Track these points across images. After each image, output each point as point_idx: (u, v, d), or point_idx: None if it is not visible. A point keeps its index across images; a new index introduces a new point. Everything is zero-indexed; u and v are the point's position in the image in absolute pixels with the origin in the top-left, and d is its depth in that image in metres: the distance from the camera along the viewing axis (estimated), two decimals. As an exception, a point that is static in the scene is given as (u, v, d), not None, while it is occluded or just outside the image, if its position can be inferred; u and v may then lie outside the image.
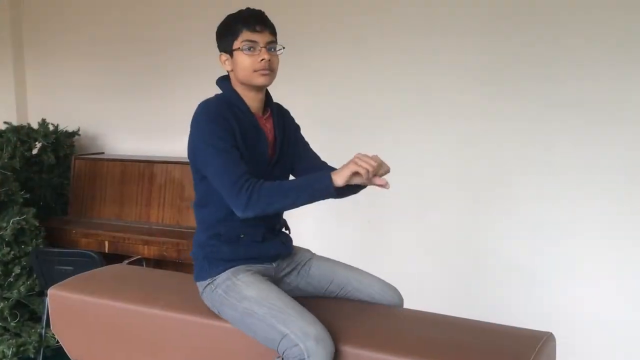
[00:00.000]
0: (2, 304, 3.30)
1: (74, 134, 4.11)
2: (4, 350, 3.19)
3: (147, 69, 3.99)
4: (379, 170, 1.63)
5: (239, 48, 1.74)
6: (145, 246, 3.45)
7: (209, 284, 1.78)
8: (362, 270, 1.92)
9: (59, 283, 2.08)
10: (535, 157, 2.89)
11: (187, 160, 3.97)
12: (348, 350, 1.59)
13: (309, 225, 3.33)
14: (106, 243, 3.56)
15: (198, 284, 1.83)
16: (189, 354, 1.81)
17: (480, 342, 1.58)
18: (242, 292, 1.70)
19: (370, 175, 1.61)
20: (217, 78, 1.86)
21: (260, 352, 1.66)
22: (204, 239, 1.82)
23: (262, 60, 1.73)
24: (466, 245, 3.11)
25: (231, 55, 1.77)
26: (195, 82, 3.73)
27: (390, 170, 1.66)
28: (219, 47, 1.81)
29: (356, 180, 1.63)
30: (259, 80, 1.75)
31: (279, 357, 1.60)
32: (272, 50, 1.76)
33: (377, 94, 3.25)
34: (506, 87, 2.92)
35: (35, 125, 3.96)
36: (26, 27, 4.44)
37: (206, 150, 1.70)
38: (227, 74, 1.84)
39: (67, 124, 4.08)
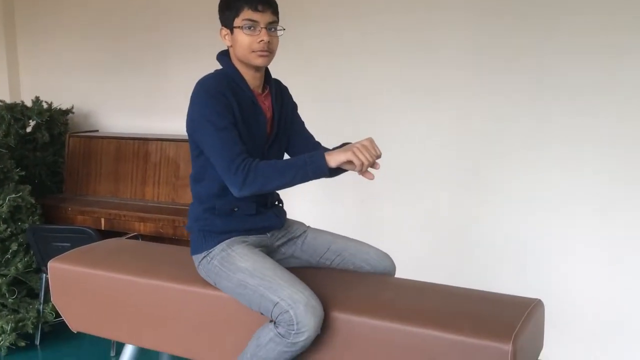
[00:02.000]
0: (0, 280, 3.33)
1: (68, 111, 4.12)
2: (3, 325, 3.23)
3: (141, 46, 3.99)
4: (373, 163, 1.67)
5: (239, 26, 1.74)
6: (141, 223, 3.48)
7: (205, 256, 1.81)
8: (357, 240, 1.97)
9: (58, 256, 2.11)
10: (529, 133, 2.93)
11: (182, 138, 3.99)
12: (338, 316, 1.63)
13: (304, 205, 3.36)
14: (102, 220, 3.59)
15: (194, 257, 1.86)
16: (189, 323, 1.85)
17: (470, 308, 1.63)
18: (237, 264, 1.74)
19: (364, 169, 1.65)
20: (217, 53, 1.86)
21: (258, 321, 1.71)
22: (199, 213, 1.85)
23: (261, 41, 1.73)
24: (460, 222, 3.15)
25: (231, 31, 1.77)
26: (189, 59, 3.74)
27: (382, 155, 1.68)
28: (220, 20, 1.81)
29: (348, 167, 1.67)
30: (257, 61, 1.76)
31: (271, 321, 1.65)
32: (273, 30, 1.77)
33: (372, 72, 3.27)
34: (500, 63, 2.94)
35: (28, 103, 3.96)
36: (18, 4, 4.41)
37: (204, 127, 1.72)
38: (226, 48, 1.84)
39: (60, 103, 4.08)
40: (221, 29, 1.81)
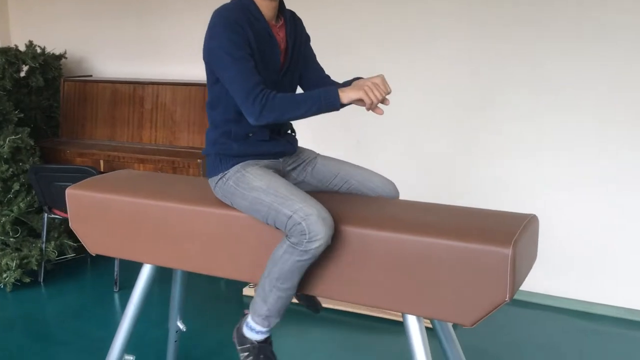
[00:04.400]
0: (3, 219, 3.39)
1: (61, 56, 4.12)
2: (8, 262, 3.31)
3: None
4: (383, 100, 1.76)
5: None
6: (141, 164, 3.55)
7: (220, 178, 1.91)
8: (363, 167, 2.08)
9: (75, 184, 2.19)
10: (523, 75, 3.05)
11: (177, 81, 4.00)
12: (348, 229, 1.75)
13: (307, 133, 3.45)
14: (101, 162, 3.65)
15: (210, 180, 1.96)
16: (205, 241, 1.95)
17: (472, 221, 1.75)
18: (251, 183, 1.84)
19: (373, 106, 1.74)
20: None
21: (272, 236, 1.82)
22: (216, 137, 1.94)
23: None
24: (454, 163, 3.28)
25: None
26: (183, 6, 3.75)
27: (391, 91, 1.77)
28: None
29: (358, 104, 1.77)
30: None
31: (286, 235, 1.77)
32: None
33: (370, 17, 3.34)
34: (497, 7, 3.03)
35: (22, 48, 3.95)
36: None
37: (222, 58, 1.78)
38: None
39: (52, 48, 4.07)
40: None
